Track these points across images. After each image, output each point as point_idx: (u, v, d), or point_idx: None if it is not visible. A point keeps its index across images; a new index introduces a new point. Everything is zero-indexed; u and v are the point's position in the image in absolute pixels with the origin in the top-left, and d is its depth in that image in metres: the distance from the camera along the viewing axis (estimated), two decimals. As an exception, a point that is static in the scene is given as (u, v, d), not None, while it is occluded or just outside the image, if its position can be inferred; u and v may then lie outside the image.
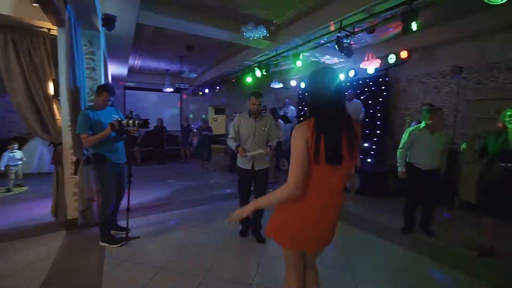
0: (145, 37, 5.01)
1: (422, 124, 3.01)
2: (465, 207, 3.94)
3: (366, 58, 4.96)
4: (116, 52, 4.78)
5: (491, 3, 2.18)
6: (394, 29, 4.48)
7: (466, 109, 4.39)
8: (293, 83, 7.94)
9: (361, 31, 3.65)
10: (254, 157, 2.69)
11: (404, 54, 4.76)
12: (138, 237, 2.90)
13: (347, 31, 3.60)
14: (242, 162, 2.79)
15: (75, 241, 2.83)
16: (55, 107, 3.23)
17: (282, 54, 4.98)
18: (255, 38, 3.21)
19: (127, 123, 2.57)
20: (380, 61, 4.81)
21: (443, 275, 2.30)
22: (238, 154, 2.73)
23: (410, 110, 5.24)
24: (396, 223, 3.29)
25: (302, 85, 7.68)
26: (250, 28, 3.04)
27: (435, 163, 2.90)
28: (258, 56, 5.50)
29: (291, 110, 7.83)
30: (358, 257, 2.61)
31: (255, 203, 1.30)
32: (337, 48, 3.67)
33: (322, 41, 4.13)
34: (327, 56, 5.97)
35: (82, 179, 3.09)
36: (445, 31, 4.26)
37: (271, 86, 7.21)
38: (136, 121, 2.55)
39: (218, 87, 7.60)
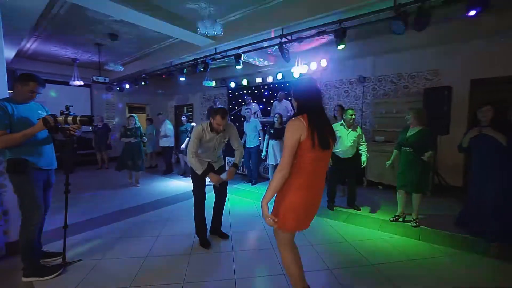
0: (55, 14, 3.98)
1: (341, 122, 3.76)
2: (371, 185, 5.12)
3: (296, 64, 5.62)
4: (6, 29, 3.60)
5: (395, 34, 2.99)
6: (317, 41, 5.29)
7: (367, 109, 5.68)
8: (221, 82, 8.07)
9: (296, 40, 4.13)
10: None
11: (323, 63, 5.68)
12: (80, 260, 2.39)
13: (287, 38, 4.02)
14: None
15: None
16: None
17: (221, 54, 5.01)
18: (209, 35, 3.13)
19: (65, 119, 2.08)
20: (307, 67, 5.57)
21: (369, 234, 2.99)
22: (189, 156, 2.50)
23: (327, 110, 6.29)
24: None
25: (232, 84, 7.91)
26: (207, 24, 2.94)
27: (350, 152, 3.68)
28: (194, 53, 5.32)
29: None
30: (310, 233, 2.99)
31: (265, 199, 1.47)
32: (280, 52, 4.05)
33: (264, 45, 4.42)
34: (259, 59, 6.38)
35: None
36: (352, 48, 5.36)
37: (203, 84, 7.07)
38: (78, 118, 2.10)
39: (143, 83, 6.81)
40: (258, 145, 5.27)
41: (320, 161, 1.51)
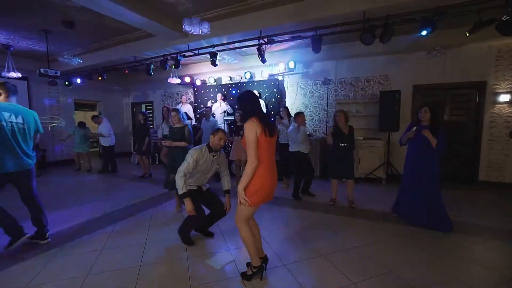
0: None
1: (294, 123, 4.18)
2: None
3: (268, 65, 5.83)
4: None
5: (365, 44, 3.41)
6: (286, 43, 5.57)
7: (330, 108, 6.24)
8: (187, 79, 7.80)
9: (272, 42, 4.32)
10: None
11: (291, 65, 6.03)
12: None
13: (264, 41, 4.17)
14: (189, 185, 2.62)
15: None
16: None
17: (194, 51, 4.88)
18: (194, 33, 3.04)
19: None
20: (282, 67, 5.85)
21: (314, 218, 3.43)
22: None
23: (291, 110, 6.68)
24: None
25: (198, 82, 7.72)
26: (194, 22, 2.85)
27: (306, 148, 4.17)
28: (163, 49, 5.07)
29: (189, 108, 7.69)
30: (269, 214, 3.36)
31: (240, 185, 1.87)
32: (257, 53, 4.18)
33: (245, 44, 4.48)
34: (227, 57, 6.39)
35: None
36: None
37: (169, 81, 6.76)
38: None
39: (100, 77, 6.12)
40: None
41: (271, 146, 1.97)
